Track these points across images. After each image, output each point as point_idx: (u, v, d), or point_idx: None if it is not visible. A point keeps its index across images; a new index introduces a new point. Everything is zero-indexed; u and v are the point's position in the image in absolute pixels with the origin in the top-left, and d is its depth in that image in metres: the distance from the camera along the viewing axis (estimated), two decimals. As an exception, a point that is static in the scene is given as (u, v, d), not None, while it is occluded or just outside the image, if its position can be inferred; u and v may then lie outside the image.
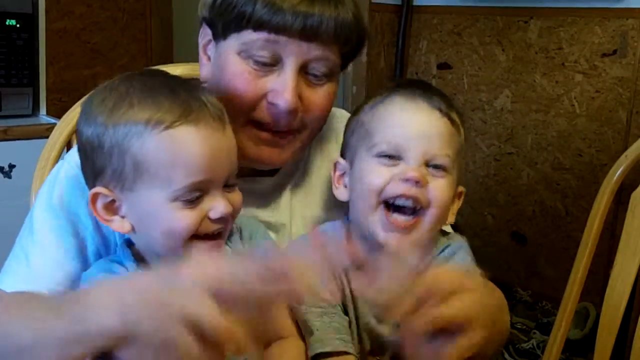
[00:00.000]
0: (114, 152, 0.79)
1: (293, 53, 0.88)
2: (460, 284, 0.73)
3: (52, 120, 2.02)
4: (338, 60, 0.93)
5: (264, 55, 0.89)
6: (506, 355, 2.57)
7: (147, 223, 0.82)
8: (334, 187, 0.97)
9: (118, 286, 0.76)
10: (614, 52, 2.69)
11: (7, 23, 1.97)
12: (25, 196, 1.18)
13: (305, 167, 1.06)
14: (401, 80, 0.95)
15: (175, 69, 1.27)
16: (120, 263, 0.87)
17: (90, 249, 0.93)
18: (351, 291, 0.92)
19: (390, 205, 0.88)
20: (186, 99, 0.79)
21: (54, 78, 2.41)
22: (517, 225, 3.06)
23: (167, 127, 0.77)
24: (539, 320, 2.72)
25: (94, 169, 0.82)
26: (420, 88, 0.92)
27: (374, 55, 3.25)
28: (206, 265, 0.70)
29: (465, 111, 3.16)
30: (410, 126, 0.89)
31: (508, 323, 1.04)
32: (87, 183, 0.86)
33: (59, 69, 2.49)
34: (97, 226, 0.93)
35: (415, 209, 0.88)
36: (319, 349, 0.86)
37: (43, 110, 2.10)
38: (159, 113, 0.77)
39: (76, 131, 0.85)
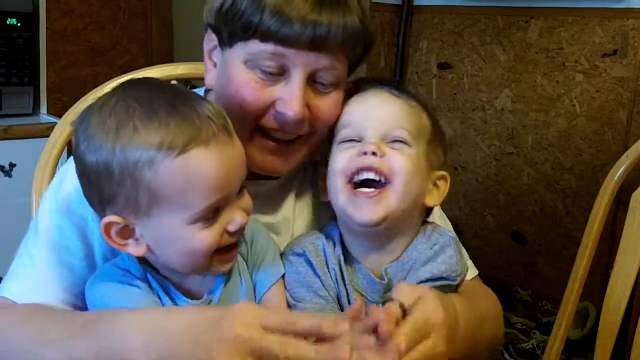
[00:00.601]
0: (126, 182, 0.76)
1: (301, 64, 0.87)
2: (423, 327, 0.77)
3: (53, 120, 2.02)
4: (345, 68, 0.92)
5: (272, 66, 0.87)
6: (506, 356, 2.57)
7: (164, 245, 0.81)
8: (320, 194, 0.99)
9: (150, 315, 0.77)
10: (615, 52, 2.69)
11: (8, 22, 1.97)
12: (26, 195, 1.18)
13: (308, 170, 1.06)
14: (355, 80, 0.98)
15: (177, 69, 1.27)
16: (129, 272, 0.86)
17: (99, 253, 0.93)
18: (346, 287, 0.93)
19: (357, 184, 0.90)
20: (189, 116, 0.77)
21: (54, 77, 2.41)
22: (517, 225, 3.06)
23: (180, 154, 0.75)
24: (539, 321, 2.72)
25: (103, 196, 0.79)
26: (374, 81, 0.99)
27: (375, 55, 3.25)
28: (252, 322, 0.70)
29: (465, 111, 3.16)
30: (366, 109, 0.94)
31: (499, 329, 1.05)
32: (93, 207, 0.84)
33: (59, 68, 2.49)
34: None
35: (381, 182, 0.90)
36: None
37: (44, 109, 2.11)
38: (169, 137, 0.75)
39: (75, 156, 0.82)
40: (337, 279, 0.93)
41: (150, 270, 0.87)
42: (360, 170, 0.89)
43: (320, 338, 0.70)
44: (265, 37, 0.85)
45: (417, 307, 0.78)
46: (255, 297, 0.93)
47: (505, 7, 2.97)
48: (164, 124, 0.75)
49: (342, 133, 0.94)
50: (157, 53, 2.74)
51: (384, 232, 0.92)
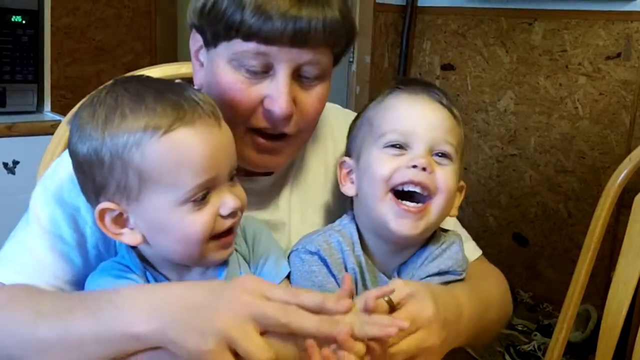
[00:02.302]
0: (115, 166, 0.78)
1: (284, 60, 0.88)
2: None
3: (57, 117, 2.02)
4: (329, 61, 0.93)
5: (256, 64, 0.88)
6: (507, 357, 2.57)
7: (159, 232, 0.82)
8: (340, 185, 0.99)
9: (152, 291, 0.78)
10: (618, 55, 2.69)
11: (12, 19, 1.97)
12: (29, 192, 1.18)
13: (302, 165, 1.07)
14: (402, 78, 0.98)
15: (180, 67, 1.28)
16: (128, 267, 0.87)
17: (91, 242, 0.93)
18: (365, 287, 0.94)
19: (399, 193, 0.90)
20: (176, 100, 0.79)
21: (58, 75, 2.41)
22: (519, 227, 3.06)
23: (165, 132, 0.77)
24: (540, 322, 2.72)
25: (95, 185, 0.81)
26: (421, 84, 0.96)
27: (378, 56, 3.25)
28: (254, 292, 0.72)
29: (468, 112, 3.16)
30: (416, 116, 0.92)
31: (506, 309, 1.07)
32: (88, 201, 0.85)
33: (63, 65, 2.50)
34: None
35: (424, 196, 0.90)
36: None
37: (47, 106, 2.10)
38: (154, 119, 0.77)
39: (69, 151, 0.84)
40: (356, 278, 0.93)
41: (149, 268, 0.87)
42: (408, 183, 0.89)
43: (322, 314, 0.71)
44: (247, 36, 0.86)
45: (405, 302, 0.80)
46: None
47: (508, 8, 2.97)
48: (151, 108, 0.77)
49: (389, 136, 0.92)
50: (161, 51, 2.74)
51: (411, 240, 0.93)
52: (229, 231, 0.84)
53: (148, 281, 0.87)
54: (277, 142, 0.94)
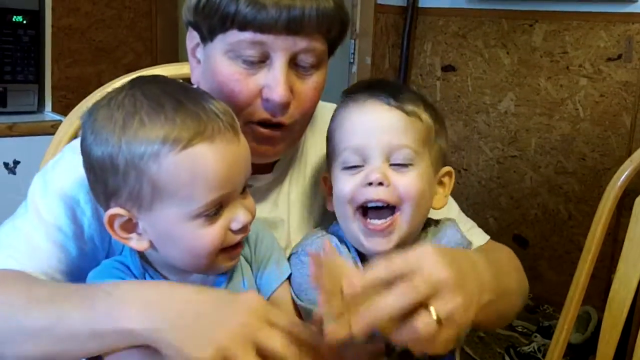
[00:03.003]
0: (130, 174, 0.77)
1: (280, 48, 0.88)
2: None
3: (57, 117, 2.02)
4: (324, 48, 0.94)
5: (252, 54, 0.89)
6: (507, 359, 2.57)
7: (167, 241, 0.81)
8: (326, 201, 0.99)
9: (155, 289, 0.77)
10: (619, 56, 2.69)
11: (13, 20, 1.97)
12: (30, 192, 1.18)
13: (301, 162, 1.07)
14: (352, 85, 0.95)
15: (181, 68, 1.28)
16: (128, 268, 0.87)
17: (87, 235, 0.92)
18: None
19: (366, 209, 0.89)
20: (196, 112, 0.77)
21: (59, 75, 2.41)
22: (519, 229, 3.06)
23: (184, 147, 0.76)
24: (540, 324, 2.72)
25: (107, 189, 0.80)
26: (367, 89, 0.94)
27: (379, 57, 3.25)
28: (260, 316, 0.73)
29: (469, 114, 3.16)
30: (364, 128, 0.90)
31: (523, 277, 1.07)
32: (97, 200, 0.84)
33: (64, 66, 2.50)
34: (96, 213, 0.91)
35: (391, 208, 0.89)
36: None
37: (48, 107, 2.10)
38: (174, 131, 0.75)
39: (82, 149, 0.82)
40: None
41: (150, 269, 0.87)
42: (368, 201, 0.88)
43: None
44: (243, 26, 0.87)
45: (409, 276, 0.71)
46: None
47: (509, 10, 2.97)
48: (170, 118, 0.76)
49: (344, 156, 0.90)
50: (162, 52, 2.74)
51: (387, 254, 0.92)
52: (238, 244, 0.84)
53: None
54: (275, 131, 0.94)
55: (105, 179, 0.79)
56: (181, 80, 1.24)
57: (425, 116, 0.92)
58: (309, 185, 1.06)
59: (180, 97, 0.79)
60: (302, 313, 0.91)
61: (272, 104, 0.90)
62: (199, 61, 0.97)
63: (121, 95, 0.79)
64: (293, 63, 0.91)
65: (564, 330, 1.30)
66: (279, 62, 0.89)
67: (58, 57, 2.38)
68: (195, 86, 1.02)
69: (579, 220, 2.83)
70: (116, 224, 0.81)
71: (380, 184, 0.87)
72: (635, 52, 2.64)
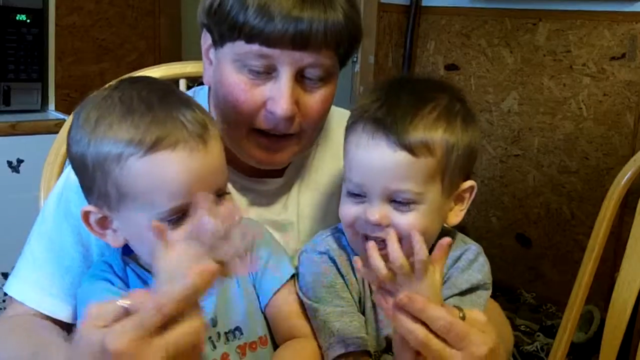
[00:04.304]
0: (97, 175, 0.79)
1: (286, 62, 0.88)
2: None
3: (61, 116, 2.03)
4: (333, 63, 0.92)
5: (259, 65, 0.89)
6: (509, 358, 2.57)
7: (137, 241, 0.83)
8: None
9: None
10: (623, 55, 2.68)
11: (17, 18, 1.98)
12: (33, 190, 1.19)
13: (312, 166, 1.07)
14: (368, 92, 0.90)
15: (185, 67, 1.28)
16: (110, 266, 0.88)
17: (96, 253, 0.95)
18: (371, 293, 0.92)
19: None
20: (163, 119, 0.77)
21: (62, 73, 2.42)
22: (522, 228, 3.06)
23: (146, 153, 0.76)
24: (543, 323, 2.72)
25: (83, 185, 0.84)
26: (382, 122, 0.86)
27: (382, 56, 3.25)
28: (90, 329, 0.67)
29: (472, 113, 3.15)
30: (367, 167, 0.86)
31: (511, 341, 1.07)
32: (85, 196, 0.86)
33: (67, 64, 2.50)
34: (84, 251, 0.95)
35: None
36: (342, 349, 0.86)
37: (52, 105, 2.11)
38: (137, 136, 0.76)
39: (66, 145, 0.85)
40: (363, 279, 0.92)
41: (132, 262, 0.88)
42: (368, 236, 0.87)
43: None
44: (250, 38, 0.87)
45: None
46: (258, 302, 0.93)
47: (513, 9, 2.97)
48: (136, 124, 0.77)
49: (348, 185, 0.89)
50: (165, 50, 2.75)
51: None
52: None
53: (127, 278, 0.87)
54: (280, 142, 0.94)
55: (81, 177, 0.82)
56: (184, 80, 1.24)
57: (439, 144, 0.86)
58: (320, 190, 1.06)
59: (154, 102, 0.79)
60: (308, 311, 0.91)
61: (275, 117, 0.90)
62: (211, 62, 0.97)
63: (101, 97, 0.81)
64: (300, 75, 0.90)
65: (567, 329, 1.30)
66: (284, 76, 0.89)
67: (61, 55, 2.38)
68: (205, 87, 1.02)
69: (582, 219, 2.83)
70: (91, 220, 0.83)
71: (378, 225, 0.85)
72: (638, 52, 2.64)
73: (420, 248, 0.75)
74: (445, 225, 0.93)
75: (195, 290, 0.65)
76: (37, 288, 0.94)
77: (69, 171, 0.97)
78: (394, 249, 0.76)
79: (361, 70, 3.19)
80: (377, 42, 3.20)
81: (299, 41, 0.86)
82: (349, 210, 0.89)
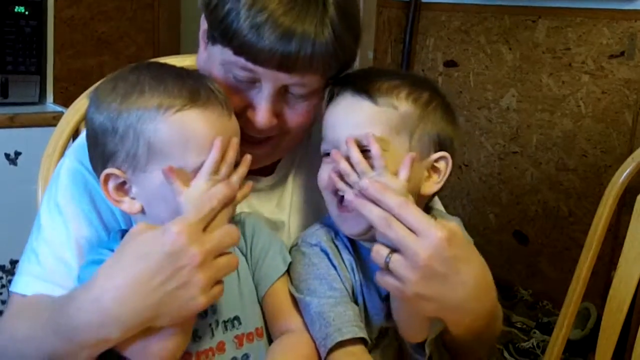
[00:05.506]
0: (128, 135, 0.82)
1: (271, 79, 0.88)
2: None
3: (59, 109, 2.03)
4: (320, 81, 0.92)
5: (243, 76, 0.89)
6: (506, 354, 2.57)
7: (159, 202, 0.84)
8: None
9: (99, 291, 0.77)
10: (622, 53, 2.68)
11: (15, 10, 1.97)
12: (30, 183, 1.19)
13: (304, 165, 1.07)
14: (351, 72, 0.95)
15: (183, 61, 1.27)
16: (112, 250, 0.87)
17: (94, 240, 0.95)
18: (361, 283, 0.94)
19: (342, 197, 0.90)
20: (194, 85, 0.84)
21: (61, 66, 2.41)
22: (519, 225, 3.06)
23: (178, 111, 0.82)
24: (539, 320, 2.72)
25: (105, 153, 0.85)
26: (347, 81, 0.94)
27: (381, 52, 3.25)
28: (185, 238, 0.75)
29: (470, 109, 3.16)
30: (335, 118, 0.93)
31: (498, 331, 1.04)
32: (94, 169, 0.88)
33: (66, 57, 2.50)
34: (100, 220, 0.95)
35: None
36: (338, 337, 0.87)
37: (50, 98, 2.11)
38: (170, 98, 0.82)
39: (85, 121, 0.88)
40: (353, 269, 0.94)
41: None
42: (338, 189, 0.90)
43: None
44: (238, 51, 0.87)
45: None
46: (257, 292, 0.93)
47: (512, 5, 2.97)
48: (169, 88, 0.83)
49: (322, 146, 0.94)
50: (164, 44, 2.74)
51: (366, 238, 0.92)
52: None
53: None
54: (262, 144, 0.95)
55: (104, 143, 0.84)
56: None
57: (403, 104, 0.91)
58: (312, 189, 1.05)
59: (183, 73, 0.86)
60: (299, 304, 0.92)
61: (253, 125, 0.91)
62: (206, 47, 0.96)
63: (126, 72, 0.86)
64: (284, 90, 0.91)
65: (564, 326, 1.31)
66: (267, 91, 0.89)
67: (60, 48, 2.38)
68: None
69: (580, 217, 2.83)
70: (110, 185, 0.85)
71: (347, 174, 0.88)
72: (637, 50, 2.64)
73: (373, 144, 0.85)
74: (421, 194, 0.94)
75: (225, 199, 0.78)
76: (39, 284, 0.92)
77: (59, 168, 0.98)
78: (353, 153, 0.85)
79: (360, 65, 3.18)
80: (376, 37, 3.20)
81: (284, 64, 0.86)
82: (323, 170, 0.93)
